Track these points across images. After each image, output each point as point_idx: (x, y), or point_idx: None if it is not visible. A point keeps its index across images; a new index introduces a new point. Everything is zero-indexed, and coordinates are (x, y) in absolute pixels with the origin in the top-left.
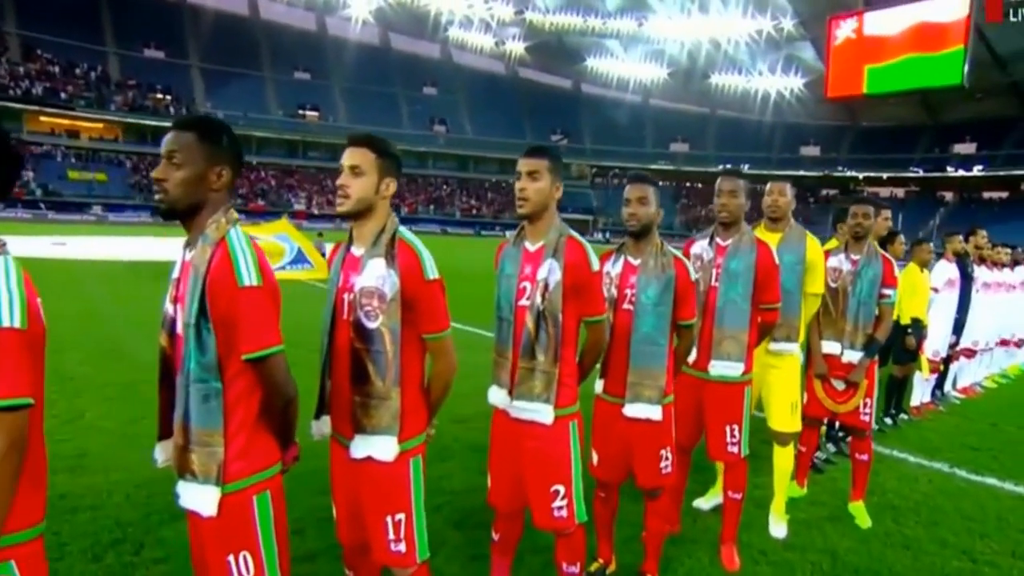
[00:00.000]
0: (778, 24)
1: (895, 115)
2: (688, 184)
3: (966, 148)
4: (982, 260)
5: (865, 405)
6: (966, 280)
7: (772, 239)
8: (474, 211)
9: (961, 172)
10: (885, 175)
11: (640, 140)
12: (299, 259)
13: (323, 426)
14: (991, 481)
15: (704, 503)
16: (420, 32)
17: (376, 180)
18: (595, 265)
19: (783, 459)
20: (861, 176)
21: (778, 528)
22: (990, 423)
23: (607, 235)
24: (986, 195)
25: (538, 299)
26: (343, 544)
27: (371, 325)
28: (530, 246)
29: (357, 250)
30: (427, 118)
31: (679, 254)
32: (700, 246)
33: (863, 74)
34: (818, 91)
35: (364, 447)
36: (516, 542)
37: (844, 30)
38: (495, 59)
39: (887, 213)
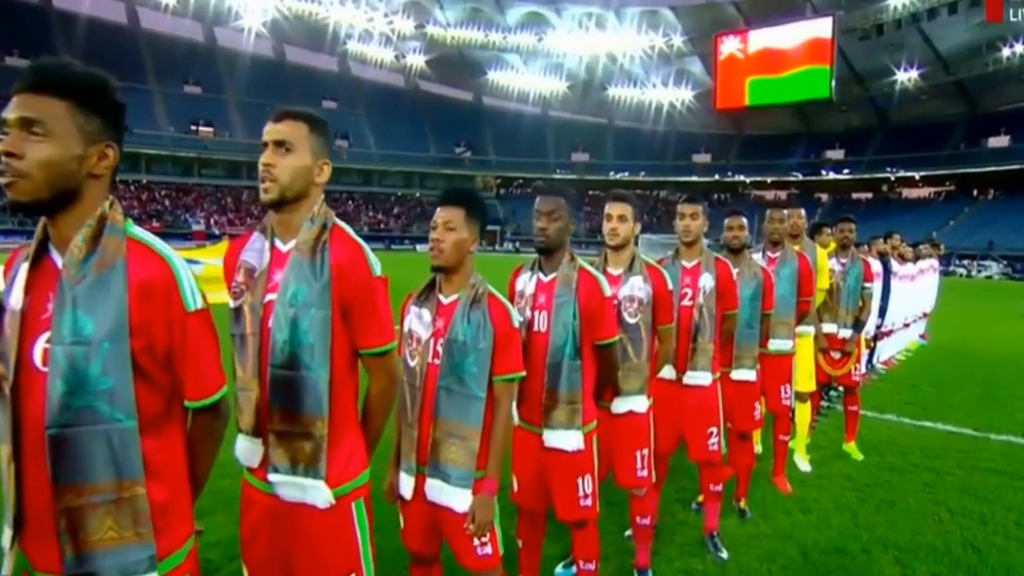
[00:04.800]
0: (669, 40)
1: (775, 124)
2: (590, 192)
3: (836, 154)
4: (901, 257)
5: (856, 369)
6: (887, 274)
7: None
8: (381, 226)
9: (833, 175)
10: (769, 179)
11: (542, 151)
12: None
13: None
14: (928, 423)
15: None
16: (317, 45)
17: (632, 224)
18: (735, 276)
19: (804, 413)
20: (748, 180)
21: (804, 464)
22: (911, 385)
23: (516, 245)
24: (855, 196)
25: (700, 300)
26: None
27: (632, 321)
28: (687, 264)
29: (615, 271)
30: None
31: (763, 264)
32: (756, 258)
33: (746, 87)
34: (707, 102)
35: (624, 404)
36: (663, 479)
37: (728, 47)
38: (395, 72)
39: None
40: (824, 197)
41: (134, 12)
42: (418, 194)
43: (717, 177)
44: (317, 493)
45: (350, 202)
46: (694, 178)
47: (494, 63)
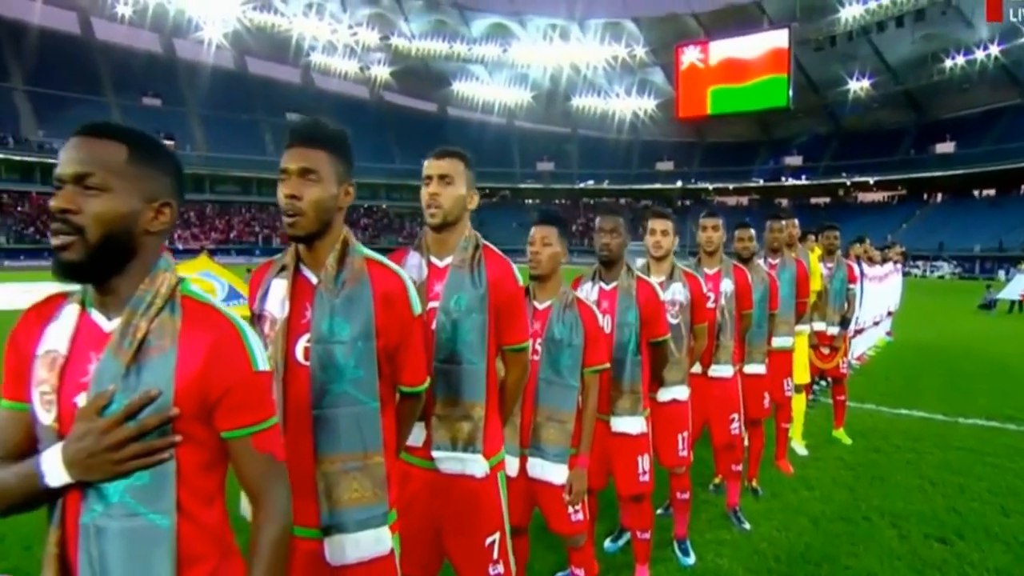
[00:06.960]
0: (631, 51)
1: (736, 132)
2: (556, 201)
3: (794, 160)
4: (870, 260)
5: (843, 362)
6: (860, 277)
7: None
8: None
9: (793, 181)
10: (731, 185)
11: (508, 161)
12: (232, 295)
13: None
14: (903, 411)
15: None
16: (280, 57)
17: (672, 237)
18: (751, 281)
19: (799, 402)
20: (711, 187)
21: (800, 448)
22: (884, 378)
23: None
24: (813, 201)
25: (723, 302)
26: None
27: (674, 321)
28: (708, 271)
29: (657, 278)
30: None
31: (769, 270)
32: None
33: (707, 96)
34: (669, 111)
35: (668, 394)
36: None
37: (689, 57)
38: (359, 84)
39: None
40: (784, 202)
41: (88, 22)
42: (384, 205)
43: (680, 184)
44: (476, 465)
45: None
46: (658, 185)
47: (459, 74)
